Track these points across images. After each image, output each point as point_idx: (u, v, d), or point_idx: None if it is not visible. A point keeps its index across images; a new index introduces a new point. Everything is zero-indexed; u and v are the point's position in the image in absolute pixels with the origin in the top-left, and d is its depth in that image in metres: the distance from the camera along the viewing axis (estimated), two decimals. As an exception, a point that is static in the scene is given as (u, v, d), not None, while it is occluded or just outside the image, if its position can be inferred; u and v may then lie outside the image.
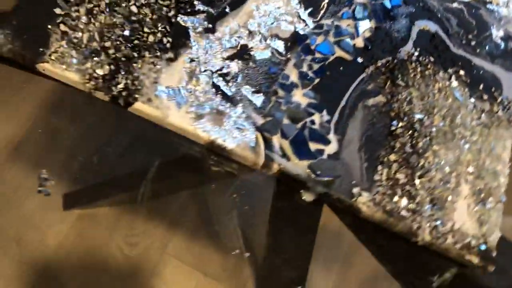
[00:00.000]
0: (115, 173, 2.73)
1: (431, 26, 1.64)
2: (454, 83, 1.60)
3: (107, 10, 1.25)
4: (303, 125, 1.32)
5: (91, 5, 1.26)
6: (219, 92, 1.27)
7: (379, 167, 1.40)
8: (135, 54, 1.24)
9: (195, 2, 1.35)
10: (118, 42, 1.23)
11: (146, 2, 1.28)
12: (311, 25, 1.42)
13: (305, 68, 1.36)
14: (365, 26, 1.49)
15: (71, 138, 2.83)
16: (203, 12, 1.33)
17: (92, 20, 1.25)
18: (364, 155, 1.40)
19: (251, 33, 1.31)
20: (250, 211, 2.70)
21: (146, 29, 1.26)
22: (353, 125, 1.40)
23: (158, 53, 1.28)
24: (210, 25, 1.34)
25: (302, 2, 1.40)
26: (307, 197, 1.31)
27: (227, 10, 1.31)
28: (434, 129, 1.51)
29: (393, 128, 1.47)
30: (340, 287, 2.62)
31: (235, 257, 2.63)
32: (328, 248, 2.67)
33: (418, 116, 1.50)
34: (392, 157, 1.44)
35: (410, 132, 1.48)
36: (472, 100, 1.61)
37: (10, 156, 2.76)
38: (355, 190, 1.33)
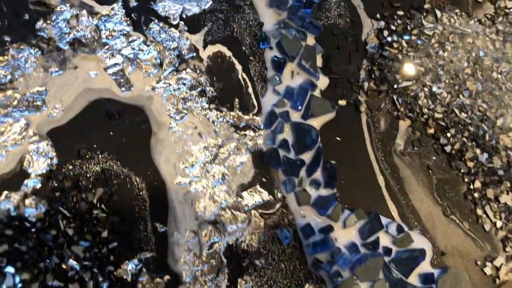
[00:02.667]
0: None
1: None
2: (445, 17, 1.29)
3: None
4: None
5: None
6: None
7: (480, 213, 1.16)
8: None
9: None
10: None
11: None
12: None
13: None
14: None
15: None
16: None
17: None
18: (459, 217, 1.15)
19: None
20: None
21: None
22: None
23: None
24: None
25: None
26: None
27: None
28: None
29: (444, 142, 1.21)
30: None
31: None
32: None
33: (455, 104, 1.21)
34: (477, 183, 1.19)
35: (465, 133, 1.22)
36: (474, 19, 1.32)
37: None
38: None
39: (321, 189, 1.09)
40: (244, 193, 1.05)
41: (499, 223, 1.15)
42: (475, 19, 1.29)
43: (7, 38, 1.00)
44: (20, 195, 0.94)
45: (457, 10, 1.30)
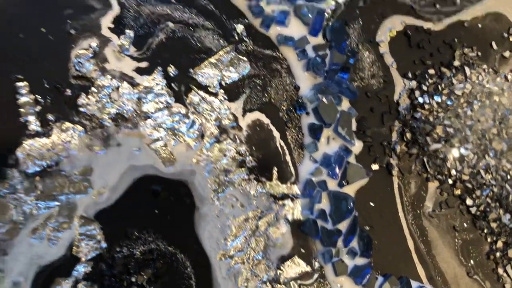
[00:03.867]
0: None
1: (394, 21, 1.32)
2: (474, 75, 1.31)
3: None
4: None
5: None
6: None
7: (501, 272, 1.23)
8: None
9: None
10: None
11: None
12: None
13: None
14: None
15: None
16: None
17: None
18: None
19: None
20: None
21: None
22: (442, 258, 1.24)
23: None
24: None
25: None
26: None
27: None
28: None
29: (470, 204, 1.25)
30: None
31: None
32: None
33: (481, 165, 1.25)
34: (499, 243, 1.25)
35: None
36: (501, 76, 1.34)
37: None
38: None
39: (357, 258, 1.13)
40: (284, 265, 1.08)
41: (519, 283, 1.22)
42: (502, 76, 1.32)
43: (50, 117, 0.99)
44: (72, 281, 0.95)
45: (484, 66, 1.32)
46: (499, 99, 1.31)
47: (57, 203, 0.99)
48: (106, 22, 1.07)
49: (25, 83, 0.99)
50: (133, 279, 0.98)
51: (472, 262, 1.22)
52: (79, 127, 1.00)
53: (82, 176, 1.00)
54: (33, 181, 0.97)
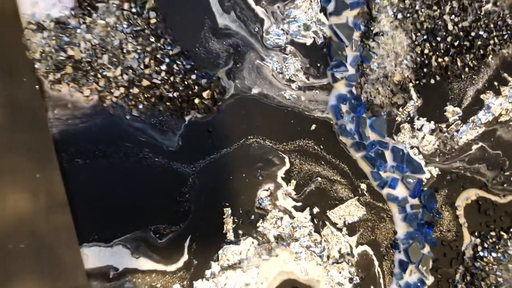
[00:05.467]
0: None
1: (469, 194, 1.78)
2: None
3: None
4: None
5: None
6: None
7: None
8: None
9: None
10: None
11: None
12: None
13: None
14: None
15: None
16: None
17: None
18: None
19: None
20: None
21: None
22: None
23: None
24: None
25: None
26: None
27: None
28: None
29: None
30: None
31: None
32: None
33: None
34: None
35: None
36: None
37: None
38: None
39: None
40: None
41: None
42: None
43: (240, 232, 1.56)
44: None
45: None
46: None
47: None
48: (280, 173, 1.64)
49: (228, 209, 1.58)
50: None
51: None
52: (255, 241, 1.58)
53: (254, 277, 1.57)
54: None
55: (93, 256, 1.39)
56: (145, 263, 1.43)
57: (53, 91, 1.42)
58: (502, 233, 1.77)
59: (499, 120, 1.82)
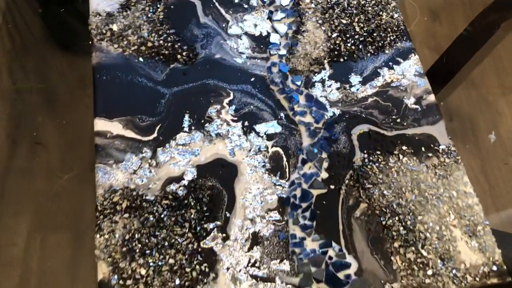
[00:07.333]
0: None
1: (363, 127, 2.06)
2: (404, 159, 1.96)
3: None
4: (326, 264, 1.65)
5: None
6: (256, 278, 1.55)
7: (392, 258, 1.69)
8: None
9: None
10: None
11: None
12: (286, 185, 1.86)
13: (301, 221, 1.74)
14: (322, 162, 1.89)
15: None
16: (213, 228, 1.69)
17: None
18: (377, 255, 1.71)
19: (252, 220, 1.69)
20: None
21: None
22: (357, 239, 1.74)
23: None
24: (224, 234, 1.68)
25: (270, 172, 1.90)
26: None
27: (228, 215, 1.74)
28: (411, 204, 1.82)
29: (384, 222, 1.78)
30: None
31: None
32: None
33: (395, 202, 1.80)
34: (396, 244, 1.72)
35: (396, 218, 1.78)
36: (423, 163, 1.93)
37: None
38: (387, 287, 1.61)
39: None
40: None
41: None
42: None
43: (192, 127, 2.46)
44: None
45: (414, 158, 2.36)
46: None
47: None
48: (226, 100, 2.53)
49: (188, 114, 2.50)
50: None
51: None
52: (202, 134, 2.45)
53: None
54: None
55: (101, 124, 2.38)
56: (129, 133, 2.38)
57: (97, 44, 2.59)
58: (386, 153, 2.40)
59: (391, 85, 2.59)
